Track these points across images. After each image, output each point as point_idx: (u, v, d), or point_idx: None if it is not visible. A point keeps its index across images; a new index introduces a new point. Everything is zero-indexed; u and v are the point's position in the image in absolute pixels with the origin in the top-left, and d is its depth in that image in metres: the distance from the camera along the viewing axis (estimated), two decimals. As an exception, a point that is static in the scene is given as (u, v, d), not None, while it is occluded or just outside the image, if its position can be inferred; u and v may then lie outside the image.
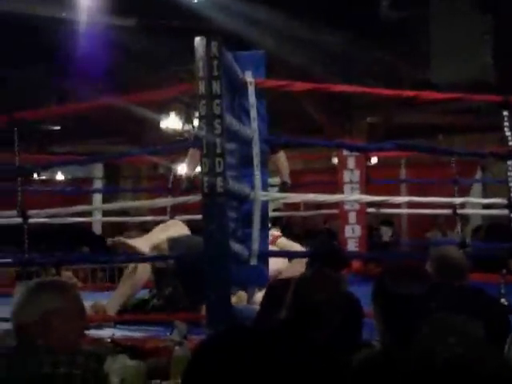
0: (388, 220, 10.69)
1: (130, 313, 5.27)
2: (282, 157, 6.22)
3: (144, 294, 5.52)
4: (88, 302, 5.28)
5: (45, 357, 2.45)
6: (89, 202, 11.52)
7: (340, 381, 2.43)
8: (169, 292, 5.30)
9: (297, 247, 6.07)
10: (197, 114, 4.14)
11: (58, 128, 13.93)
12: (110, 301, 5.24)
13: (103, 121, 11.91)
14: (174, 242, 5.35)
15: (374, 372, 2.35)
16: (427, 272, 3.90)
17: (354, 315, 3.81)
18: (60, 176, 15.70)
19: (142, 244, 5.48)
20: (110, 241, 5.80)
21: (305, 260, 5.45)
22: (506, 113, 5.24)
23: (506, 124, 5.23)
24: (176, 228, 5.62)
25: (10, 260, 5.96)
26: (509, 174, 5.27)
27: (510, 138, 5.22)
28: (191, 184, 5.46)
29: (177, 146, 9.59)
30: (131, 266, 5.42)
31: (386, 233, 10.33)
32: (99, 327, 4.87)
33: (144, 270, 5.30)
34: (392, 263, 7.92)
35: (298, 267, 5.46)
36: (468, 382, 2.02)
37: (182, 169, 6.19)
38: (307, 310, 2.69)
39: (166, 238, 5.34)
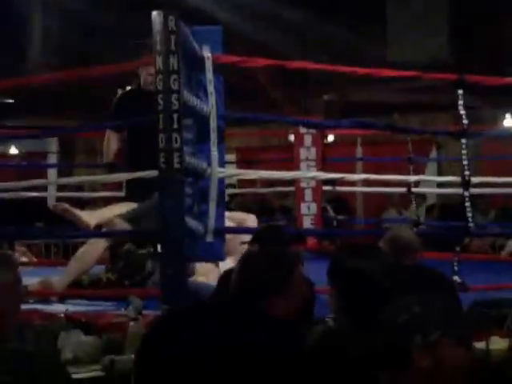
0: (332, 199, 10.66)
1: (86, 288, 5.25)
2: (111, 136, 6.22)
3: (101, 270, 5.49)
4: (37, 278, 5.27)
5: None
6: (44, 176, 11.40)
7: (295, 354, 2.44)
8: (122, 265, 5.28)
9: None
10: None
11: (12, 101, 13.75)
12: (60, 277, 5.20)
13: (59, 95, 11.78)
14: (133, 213, 5.31)
15: (331, 347, 2.37)
16: (382, 249, 3.96)
17: (308, 300, 3.84)
18: (14, 150, 15.52)
19: (88, 216, 5.43)
20: (53, 205, 5.72)
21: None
22: (460, 91, 5.27)
23: (461, 103, 5.27)
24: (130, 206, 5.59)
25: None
26: (463, 152, 5.32)
27: (464, 117, 5.26)
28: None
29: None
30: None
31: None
32: (47, 302, 4.84)
33: (96, 246, 5.26)
34: (349, 241, 8.02)
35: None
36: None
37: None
38: (251, 282, 2.70)
39: (117, 214, 5.30)
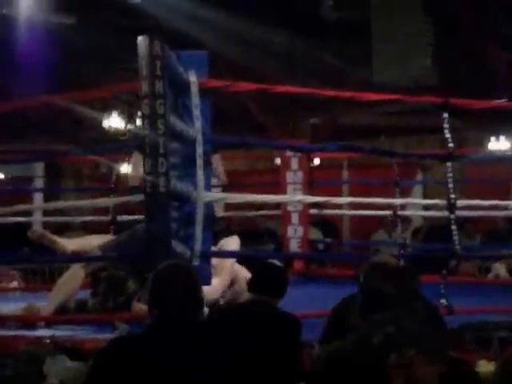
0: (320, 221, 10.66)
1: (72, 313, 5.23)
2: (217, 159, 6.25)
3: (86, 295, 5.47)
4: (21, 304, 5.25)
5: None
6: (29, 201, 11.36)
7: None
8: (103, 288, 5.27)
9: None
10: (140, 114, 4.12)
11: (-3, 126, 13.72)
12: (45, 304, 5.18)
13: (44, 119, 11.76)
14: (110, 243, 5.36)
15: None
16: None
17: (291, 335, 3.85)
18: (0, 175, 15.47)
19: (66, 243, 5.45)
20: (30, 232, 5.71)
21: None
22: (445, 115, 5.30)
23: (446, 126, 5.29)
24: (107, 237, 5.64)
25: None
26: (448, 175, 5.33)
27: (449, 140, 5.29)
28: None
29: (119, 145, 9.52)
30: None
31: (314, 234, 10.30)
32: (33, 328, 4.82)
33: (76, 274, 5.25)
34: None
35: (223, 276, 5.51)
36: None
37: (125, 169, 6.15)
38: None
39: (94, 244, 5.34)
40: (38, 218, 9.62)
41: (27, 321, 4.99)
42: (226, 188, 6.12)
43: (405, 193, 9.10)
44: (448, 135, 5.28)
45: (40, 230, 5.75)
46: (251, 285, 4.12)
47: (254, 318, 3.81)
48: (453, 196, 5.23)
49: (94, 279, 5.36)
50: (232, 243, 5.82)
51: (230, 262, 5.57)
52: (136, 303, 5.06)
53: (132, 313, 4.99)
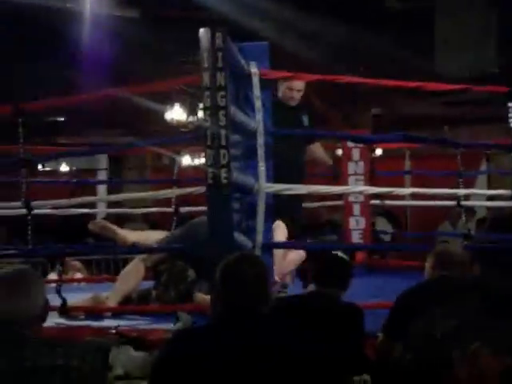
0: (386, 212, 10.63)
1: (135, 304, 5.30)
2: (318, 146, 6.43)
3: (149, 285, 5.54)
4: (87, 294, 5.34)
5: (41, 349, 2.45)
6: (93, 193, 11.53)
7: None
8: (165, 278, 5.33)
9: None
10: (201, 106, 4.14)
11: (63, 119, 13.93)
12: (110, 294, 5.26)
13: (107, 112, 11.90)
14: (169, 237, 5.42)
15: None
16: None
17: (355, 326, 3.84)
18: (64, 167, 15.71)
19: (127, 234, 5.52)
20: (91, 223, 5.78)
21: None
22: (510, 104, 5.23)
23: (511, 115, 5.22)
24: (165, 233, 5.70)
25: (13, 251, 5.96)
26: (513, 165, 5.27)
27: (514, 129, 5.22)
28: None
29: (182, 137, 9.59)
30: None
31: (383, 224, 10.27)
32: (99, 318, 4.89)
33: (137, 266, 5.32)
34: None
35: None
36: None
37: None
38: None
39: (155, 238, 5.42)
40: (101, 210, 9.75)
41: (94, 311, 5.06)
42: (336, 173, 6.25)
43: (469, 183, 8.99)
44: (513, 125, 5.22)
45: (101, 221, 5.83)
46: (315, 276, 4.12)
47: (317, 311, 3.81)
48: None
49: (156, 272, 5.42)
50: (278, 227, 5.79)
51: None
52: (198, 294, 5.10)
53: (194, 303, 5.03)
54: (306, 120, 6.08)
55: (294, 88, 5.74)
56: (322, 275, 4.10)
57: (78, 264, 8.23)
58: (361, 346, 3.82)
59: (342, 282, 4.08)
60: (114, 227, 5.62)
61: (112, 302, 5.15)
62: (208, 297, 4.86)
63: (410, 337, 2.21)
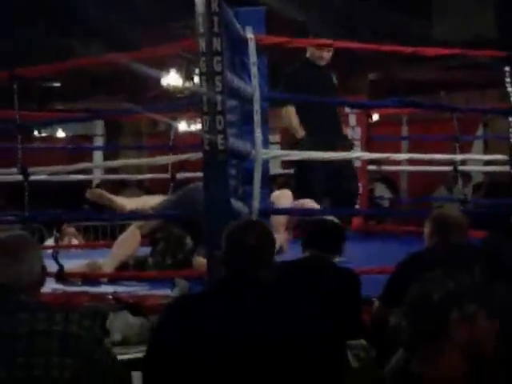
0: (384, 177, 10.62)
1: (132, 271, 5.31)
2: (290, 111, 6.23)
3: (146, 252, 5.55)
4: (83, 261, 5.35)
5: (38, 313, 2.45)
6: (90, 159, 11.51)
7: None
8: (162, 246, 5.33)
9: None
10: (197, 71, 4.11)
11: (58, 85, 13.86)
12: (106, 260, 5.27)
13: (103, 78, 11.85)
14: (165, 203, 5.42)
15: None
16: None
17: (353, 290, 3.84)
18: (61, 133, 15.66)
19: (124, 202, 5.52)
20: (88, 192, 5.78)
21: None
22: (507, 68, 5.20)
23: (508, 80, 5.20)
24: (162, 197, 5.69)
25: (10, 217, 5.96)
26: (510, 130, 5.25)
27: (511, 94, 5.19)
28: None
29: (178, 103, 9.55)
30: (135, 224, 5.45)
31: (382, 190, 10.27)
32: (96, 284, 4.90)
33: (134, 232, 5.32)
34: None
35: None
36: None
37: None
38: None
39: (151, 203, 5.41)
40: (97, 176, 9.73)
41: (90, 277, 5.07)
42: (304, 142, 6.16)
43: (465, 148, 8.98)
44: (510, 89, 5.19)
45: (98, 190, 5.83)
46: (305, 242, 4.10)
47: (313, 275, 3.81)
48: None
49: (152, 239, 5.42)
50: (284, 197, 5.80)
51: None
52: (197, 258, 5.10)
53: (193, 268, 5.04)
54: (334, 78, 6.14)
55: (325, 47, 5.73)
56: (310, 239, 4.08)
57: (73, 230, 8.25)
58: (358, 311, 3.83)
59: (331, 246, 4.06)
60: (111, 196, 5.62)
61: (108, 269, 5.15)
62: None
63: (407, 301, 2.22)
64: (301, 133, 6.14)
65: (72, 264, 5.26)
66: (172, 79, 11.96)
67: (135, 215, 5.45)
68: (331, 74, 6.12)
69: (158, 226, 5.36)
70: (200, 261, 5.03)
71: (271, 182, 6.66)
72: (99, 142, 14.42)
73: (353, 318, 3.74)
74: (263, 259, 2.76)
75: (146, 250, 5.50)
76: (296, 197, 5.82)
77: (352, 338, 3.55)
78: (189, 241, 5.27)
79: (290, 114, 6.19)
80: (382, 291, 3.82)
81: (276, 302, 2.70)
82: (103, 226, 9.38)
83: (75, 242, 7.99)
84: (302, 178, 6.23)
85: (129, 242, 5.32)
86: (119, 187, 10.73)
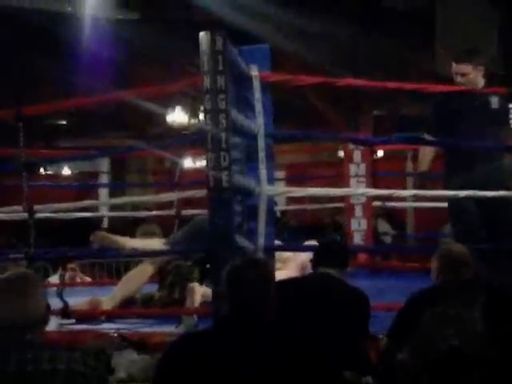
0: (386, 213, 10.62)
1: (139, 307, 5.29)
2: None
3: (153, 289, 5.53)
4: (85, 298, 5.33)
5: (43, 353, 2.44)
6: (95, 196, 11.54)
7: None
8: (170, 280, 5.33)
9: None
10: (202, 108, 4.13)
11: (64, 122, 13.94)
12: (108, 297, 5.25)
13: (109, 115, 11.92)
14: (175, 237, 5.42)
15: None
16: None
17: (362, 309, 3.84)
18: (66, 171, 15.72)
19: (127, 242, 5.52)
20: (92, 236, 5.79)
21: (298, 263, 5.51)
22: (511, 105, 5.21)
23: (512, 116, 5.21)
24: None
25: (16, 255, 5.96)
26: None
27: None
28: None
29: (183, 140, 9.59)
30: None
31: (383, 226, 10.27)
32: (97, 322, 4.88)
33: (144, 269, 5.32)
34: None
35: (292, 269, 5.51)
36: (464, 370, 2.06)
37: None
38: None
39: (156, 244, 5.42)
40: (103, 214, 9.75)
41: (94, 315, 5.05)
42: None
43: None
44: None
45: (101, 232, 5.83)
46: (314, 261, 4.12)
47: (321, 291, 3.83)
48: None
49: (161, 273, 5.42)
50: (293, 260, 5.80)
51: (302, 257, 5.54)
52: (191, 284, 5.08)
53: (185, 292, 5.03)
54: (495, 101, 5.50)
55: (457, 72, 5.42)
56: (317, 257, 4.11)
57: (73, 267, 8.21)
58: (366, 330, 3.83)
59: (337, 260, 4.08)
60: (114, 237, 5.62)
61: (109, 305, 5.14)
62: (201, 288, 4.90)
63: (415, 343, 2.22)
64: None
65: (74, 301, 5.24)
66: (177, 116, 12.03)
67: (140, 252, 5.45)
68: (489, 96, 5.65)
69: (167, 261, 5.36)
70: (193, 287, 5.01)
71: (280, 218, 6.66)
72: (105, 179, 14.46)
73: (360, 349, 3.74)
74: (264, 295, 2.77)
75: (154, 287, 5.50)
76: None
77: (360, 370, 3.54)
78: (196, 274, 5.27)
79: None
80: (389, 328, 3.80)
81: (278, 339, 2.69)
82: (109, 263, 9.38)
83: (79, 279, 7.97)
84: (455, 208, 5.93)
85: (135, 279, 5.31)
86: (131, 225, 10.73)
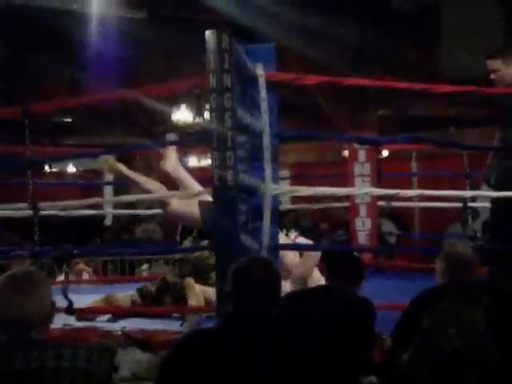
0: (390, 213, 10.60)
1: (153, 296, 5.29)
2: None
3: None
4: (99, 295, 5.34)
5: (48, 350, 2.45)
6: (100, 194, 11.54)
7: None
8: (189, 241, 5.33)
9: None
10: (208, 107, 4.14)
11: (70, 120, 13.94)
12: (123, 294, 5.26)
13: (115, 113, 11.92)
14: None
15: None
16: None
17: (367, 314, 3.84)
18: (71, 168, 15.72)
19: (142, 179, 5.44)
20: (100, 160, 5.65)
21: (316, 255, 5.48)
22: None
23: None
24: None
25: (20, 252, 5.97)
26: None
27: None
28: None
29: (189, 138, 9.59)
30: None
31: (387, 226, 10.25)
32: (111, 320, 4.88)
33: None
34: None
35: (310, 263, 5.48)
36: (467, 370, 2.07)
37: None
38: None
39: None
40: (108, 211, 9.75)
41: (100, 312, 5.06)
42: None
43: (476, 185, 8.96)
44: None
45: (110, 158, 5.70)
46: (327, 272, 4.13)
47: (328, 303, 3.82)
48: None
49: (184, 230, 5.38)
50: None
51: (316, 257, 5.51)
52: (188, 279, 5.07)
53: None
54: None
55: (489, 68, 5.47)
56: (332, 269, 4.11)
57: (81, 265, 8.23)
58: (369, 343, 3.82)
59: (352, 276, 4.08)
60: (125, 169, 5.54)
61: (127, 301, 5.16)
62: (198, 286, 4.90)
63: (418, 343, 2.23)
64: None
65: (86, 299, 5.25)
66: (182, 114, 12.02)
67: (149, 250, 5.44)
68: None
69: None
70: (189, 280, 5.01)
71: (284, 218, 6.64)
72: (109, 176, 14.45)
73: (365, 353, 3.73)
74: (269, 295, 2.77)
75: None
76: None
77: (363, 371, 3.54)
78: (213, 275, 5.26)
79: None
80: (394, 329, 3.80)
81: (283, 338, 2.69)
82: (114, 260, 9.38)
83: (86, 276, 7.98)
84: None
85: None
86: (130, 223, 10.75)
